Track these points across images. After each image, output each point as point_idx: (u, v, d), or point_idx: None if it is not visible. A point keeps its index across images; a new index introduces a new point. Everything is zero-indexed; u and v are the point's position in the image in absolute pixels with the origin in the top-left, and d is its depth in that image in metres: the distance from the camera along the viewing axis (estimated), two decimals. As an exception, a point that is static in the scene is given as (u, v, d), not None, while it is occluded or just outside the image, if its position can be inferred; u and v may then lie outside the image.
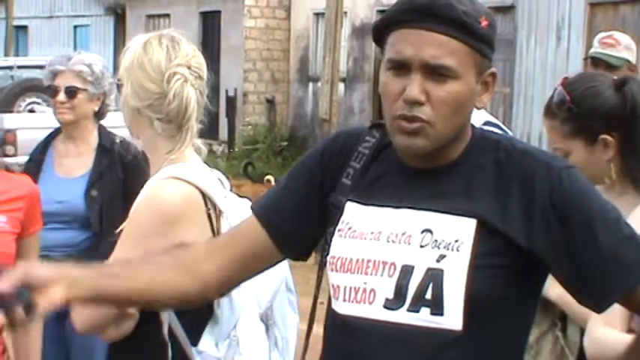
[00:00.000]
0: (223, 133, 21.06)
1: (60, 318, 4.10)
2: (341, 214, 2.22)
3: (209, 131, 20.29)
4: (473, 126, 2.22)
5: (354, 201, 2.21)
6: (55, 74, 4.49)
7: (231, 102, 21.02)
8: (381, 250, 2.12)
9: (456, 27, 2.06)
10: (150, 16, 24.57)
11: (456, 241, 2.06)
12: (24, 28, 29.03)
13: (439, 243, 2.08)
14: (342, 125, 16.72)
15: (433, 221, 2.10)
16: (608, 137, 2.88)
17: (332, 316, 2.22)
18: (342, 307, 2.17)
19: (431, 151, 2.12)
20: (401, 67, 2.10)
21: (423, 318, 2.07)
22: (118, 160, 4.44)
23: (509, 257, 2.07)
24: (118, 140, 4.53)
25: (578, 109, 2.88)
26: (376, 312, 2.11)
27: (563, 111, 2.91)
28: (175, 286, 2.28)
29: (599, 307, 2.14)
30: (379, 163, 2.23)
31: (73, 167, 4.48)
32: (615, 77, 3.01)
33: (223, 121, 20.91)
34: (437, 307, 2.06)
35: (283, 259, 2.39)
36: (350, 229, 2.19)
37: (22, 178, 3.36)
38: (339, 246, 2.19)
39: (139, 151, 4.47)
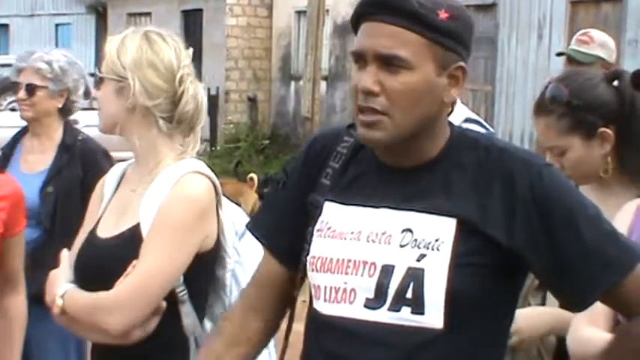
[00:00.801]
0: (205, 131, 20.84)
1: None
2: (319, 214, 2.22)
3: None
4: (452, 124, 2.22)
5: (333, 201, 2.21)
6: (19, 71, 4.47)
7: (213, 100, 20.98)
8: (362, 249, 2.12)
9: (409, 18, 2.07)
10: (131, 15, 24.52)
11: (436, 240, 2.07)
12: (5, 26, 28.93)
13: (419, 242, 2.08)
14: (325, 123, 16.71)
15: (413, 221, 2.10)
16: (607, 130, 2.84)
17: (313, 315, 2.22)
18: (322, 307, 2.17)
19: (392, 143, 2.12)
20: (360, 60, 2.13)
21: (404, 317, 2.07)
22: (79, 158, 4.41)
23: (489, 256, 2.07)
24: (80, 137, 4.50)
25: (577, 102, 2.84)
26: (357, 312, 2.11)
27: (560, 106, 2.86)
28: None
29: (583, 303, 2.14)
30: (357, 162, 2.23)
31: (36, 163, 4.46)
32: (605, 72, 2.99)
33: (205, 120, 20.82)
34: (418, 306, 2.06)
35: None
36: (329, 229, 2.19)
37: (6, 177, 3.34)
38: (319, 246, 2.19)
39: (101, 149, 4.47)
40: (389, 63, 2.08)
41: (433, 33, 2.08)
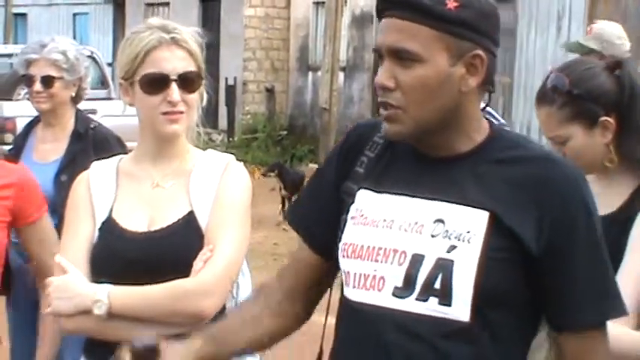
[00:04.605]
0: (223, 122, 21.03)
1: (35, 303, 4.10)
2: (353, 202, 2.24)
3: (208, 120, 20.26)
4: (492, 122, 2.23)
5: (367, 189, 2.23)
6: (29, 62, 4.45)
7: (230, 91, 20.99)
8: (393, 238, 2.14)
9: (416, 11, 2.09)
10: (149, 5, 24.51)
11: (468, 232, 2.08)
12: (23, 15, 28.96)
13: (450, 233, 2.09)
14: (342, 114, 16.68)
15: (445, 211, 2.11)
16: (609, 120, 2.86)
17: (342, 302, 2.25)
18: (351, 293, 2.20)
19: (412, 136, 2.15)
20: (380, 56, 2.16)
21: (431, 307, 2.08)
22: (92, 146, 4.41)
23: (518, 255, 2.08)
24: (92, 125, 4.50)
25: (578, 91, 2.85)
26: (385, 299, 2.13)
27: (561, 95, 2.87)
28: (276, 331, 2.44)
29: (567, 325, 2.16)
30: (393, 151, 2.25)
31: (49, 152, 4.47)
32: (606, 61, 3.00)
33: (223, 110, 20.88)
34: (445, 298, 2.07)
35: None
36: (362, 215, 2.21)
37: (14, 165, 3.34)
38: (351, 233, 2.21)
39: (114, 136, 4.50)
40: (401, 57, 2.11)
41: (442, 24, 2.09)
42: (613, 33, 5.88)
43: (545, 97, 2.92)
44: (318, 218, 2.35)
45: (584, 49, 5.75)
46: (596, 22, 6.05)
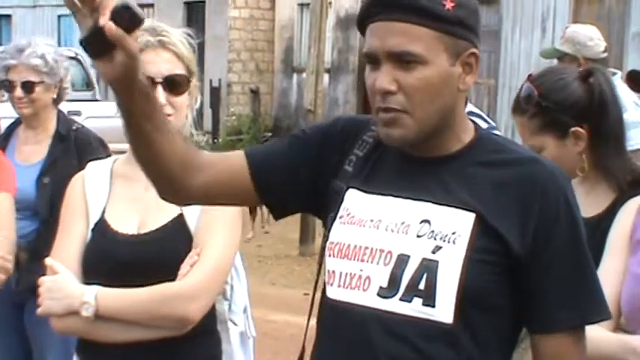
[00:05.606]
0: (207, 123, 21.03)
1: (18, 306, 4.08)
2: (341, 201, 2.23)
3: (193, 121, 20.22)
4: (477, 125, 2.24)
5: (356, 188, 2.22)
6: (8, 68, 4.40)
7: (215, 92, 20.99)
8: (379, 238, 2.14)
9: (417, 13, 2.08)
10: (134, 6, 24.48)
11: (453, 233, 2.08)
12: (7, 17, 28.88)
13: (436, 234, 2.09)
14: (327, 116, 16.67)
15: (432, 212, 2.11)
16: (580, 129, 2.87)
17: (324, 304, 2.23)
18: (335, 293, 2.18)
19: (415, 140, 2.14)
20: (374, 61, 2.13)
21: (415, 308, 2.08)
22: (74, 147, 4.38)
23: (504, 256, 2.08)
24: (74, 127, 4.48)
25: (546, 103, 2.87)
26: (369, 299, 2.12)
27: (531, 106, 2.90)
28: (171, 161, 2.18)
29: (542, 328, 2.15)
30: (382, 151, 2.24)
31: (31, 154, 4.44)
32: (580, 69, 3.02)
33: (207, 112, 20.87)
34: (429, 299, 2.07)
35: (258, 204, 2.38)
36: (349, 214, 2.20)
37: None
38: (338, 232, 2.21)
39: (97, 138, 4.46)
40: (403, 60, 2.09)
41: (442, 24, 2.09)
42: (585, 35, 5.96)
43: (518, 106, 2.96)
44: (272, 158, 2.30)
45: (559, 54, 5.90)
46: (569, 25, 6.18)
